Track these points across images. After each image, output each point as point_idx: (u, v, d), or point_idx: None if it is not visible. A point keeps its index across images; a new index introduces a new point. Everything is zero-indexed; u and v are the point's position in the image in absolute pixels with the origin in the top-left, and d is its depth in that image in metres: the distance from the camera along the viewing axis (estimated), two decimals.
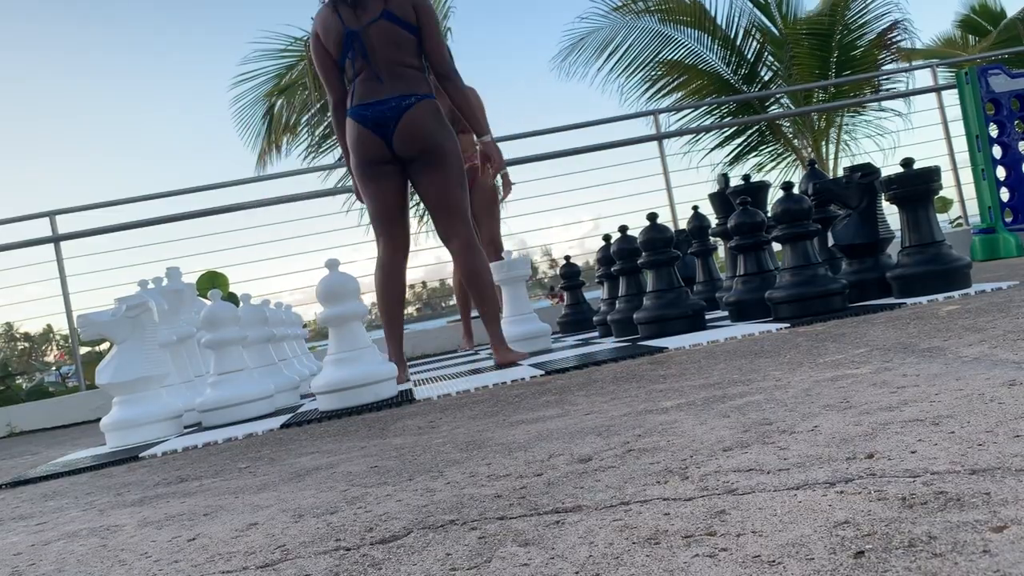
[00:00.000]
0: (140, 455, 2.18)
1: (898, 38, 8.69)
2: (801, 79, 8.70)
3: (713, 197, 3.58)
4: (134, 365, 2.55)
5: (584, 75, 9.00)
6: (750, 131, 8.99)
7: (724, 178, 3.65)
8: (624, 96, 9.09)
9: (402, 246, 2.98)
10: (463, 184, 2.92)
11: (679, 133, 7.56)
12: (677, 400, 1.47)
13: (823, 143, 8.86)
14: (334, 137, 8.74)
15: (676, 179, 6.03)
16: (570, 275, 4.57)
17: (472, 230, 2.93)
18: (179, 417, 2.67)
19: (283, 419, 2.44)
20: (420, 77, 2.87)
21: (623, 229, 3.42)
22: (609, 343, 3.13)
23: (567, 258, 4.63)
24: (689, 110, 8.98)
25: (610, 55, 8.91)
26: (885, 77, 8.62)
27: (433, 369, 3.56)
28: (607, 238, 3.67)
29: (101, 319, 2.57)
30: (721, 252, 3.86)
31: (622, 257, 3.39)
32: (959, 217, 6.73)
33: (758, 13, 9.10)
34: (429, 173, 2.86)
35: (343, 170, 8.27)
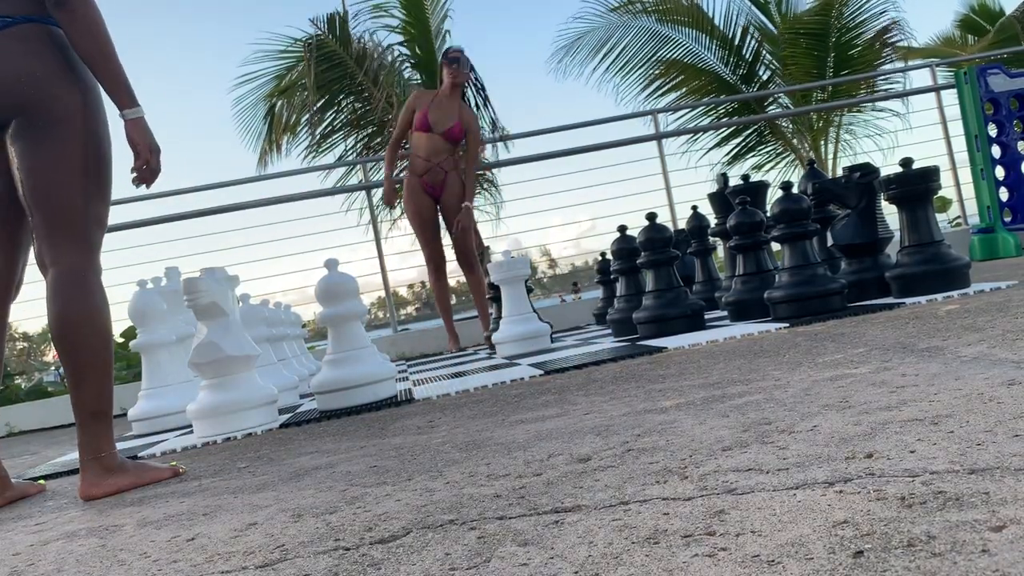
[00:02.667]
0: (139, 455, 2.18)
1: (895, 38, 8.70)
2: (798, 78, 8.70)
3: (712, 197, 3.58)
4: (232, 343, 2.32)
5: (580, 75, 9.00)
6: (749, 131, 8.99)
7: (723, 178, 3.65)
8: (621, 96, 9.08)
9: (12, 261, 1.89)
10: (84, 169, 1.73)
11: (678, 133, 7.56)
12: (676, 400, 1.47)
13: (822, 143, 8.87)
14: (333, 137, 8.76)
15: (675, 179, 6.04)
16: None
17: (89, 253, 1.75)
18: (275, 402, 2.42)
19: (282, 419, 2.44)
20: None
21: (622, 229, 3.42)
22: (609, 343, 3.13)
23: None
24: (687, 110, 8.99)
25: (606, 55, 8.91)
26: (883, 77, 8.62)
27: (432, 369, 3.56)
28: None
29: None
30: (720, 252, 3.87)
31: (621, 257, 3.39)
32: (958, 217, 6.74)
33: (756, 12, 9.10)
34: (21, 148, 1.71)
35: (342, 170, 8.28)
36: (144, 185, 1.86)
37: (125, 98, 1.78)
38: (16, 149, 1.71)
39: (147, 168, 1.82)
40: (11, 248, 1.84)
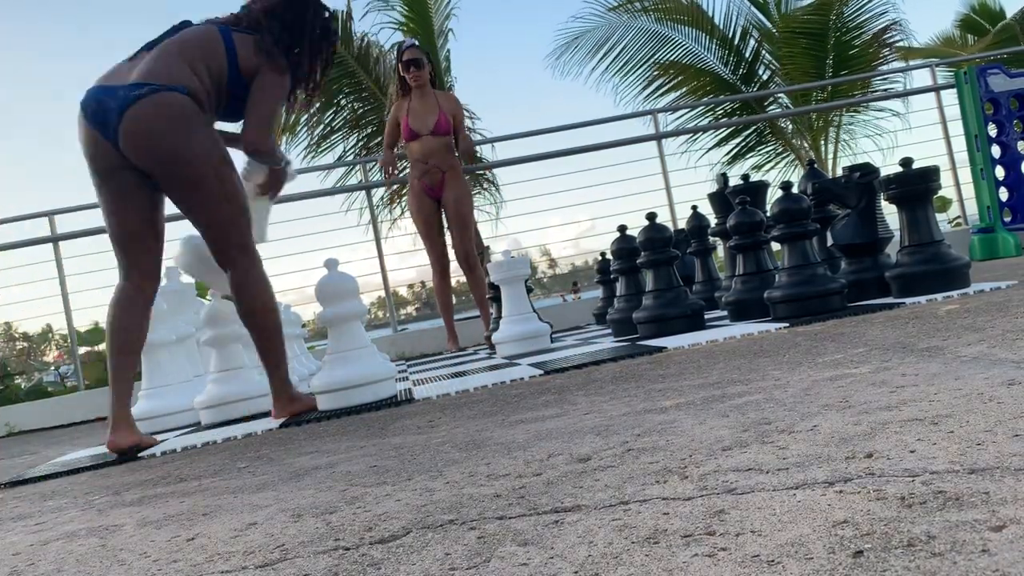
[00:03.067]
0: (139, 455, 2.18)
1: (894, 38, 8.70)
2: (796, 78, 8.70)
3: (712, 197, 3.58)
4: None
5: (579, 74, 9.00)
6: (749, 131, 9.00)
7: (723, 178, 3.65)
8: (620, 96, 9.09)
9: (149, 272, 2.33)
10: (227, 200, 2.27)
11: (678, 133, 7.56)
12: (676, 400, 1.47)
13: (822, 142, 8.87)
14: (333, 137, 8.76)
15: (675, 179, 6.04)
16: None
17: (252, 258, 2.34)
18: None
19: (282, 418, 2.44)
20: (180, 67, 2.20)
21: (622, 229, 3.42)
22: (609, 343, 3.13)
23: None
24: (687, 110, 8.99)
25: (605, 54, 8.91)
26: (883, 77, 8.62)
27: (432, 369, 3.56)
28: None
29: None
30: (720, 252, 3.87)
31: (621, 257, 3.39)
32: (958, 217, 6.74)
33: (756, 12, 9.11)
34: (175, 196, 2.28)
35: (342, 170, 8.28)
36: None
37: (252, 143, 2.40)
38: (169, 195, 2.31)
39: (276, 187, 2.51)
40: (157, 252, 2.36)
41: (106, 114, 2.13)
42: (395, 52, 4.63)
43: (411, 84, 4.26)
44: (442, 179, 4.26)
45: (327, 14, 2.51)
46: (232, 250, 2.31)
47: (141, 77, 2.16)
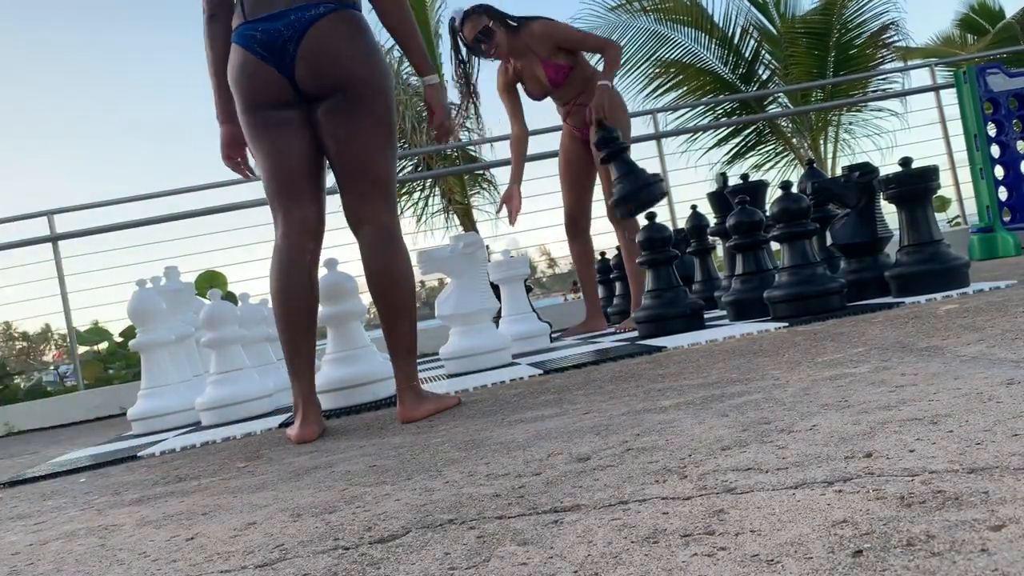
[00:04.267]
0: (138, 454, 2.18)
1: (893, 38, 8.71)
2: (798, 78, 8.70)
3: (711, 196, 3.58)
4: (473, 298, 2.79)
5: None
6: (748, 130, 9.00)
7: (722, 177, 3.65)
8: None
9: (311, 228, 2.03)
10: (391, 141, 2.02)
11: (677, 132, 7.56)
12: (676, 399, 1.47)
13: (821, 142, 8.87)
14: None
15: (674, 178, 6.04)
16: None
17: (396, 213, 2.05)
18: (507, 348, 2.87)
19: (282, 418, 2.44)
20: None
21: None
22: (608, 342, 3.13)
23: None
24: (687, 109, 8.99)
25: None
26: (882, 77, 8.63)
27: (431, 368, 3.56)
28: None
29: (441, 256, 2.76)
30: (720, 251, 3.86)
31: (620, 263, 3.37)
32: (957, 216, 6.74)
33: (756, 12, 9.11)
34: (340, 119, 1.95)
35: None
36: (442, 141, 2.26)
37: (426, 66, 2.10)
38: (332, 120, 1.95)
39: (443, 127, 2.17)
40: (320, 201, 2.08)
41: (283, 42, 1.90)
42: (449, 31, 3.62)
43: (493, 59, 3.60)
44: (587, 115, 3.42)
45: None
46: (381, 204, 2.00)
47: None
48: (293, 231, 1.98)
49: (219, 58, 2.04)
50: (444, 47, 8.64)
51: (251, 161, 2.15)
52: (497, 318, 3.84)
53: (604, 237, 7.11)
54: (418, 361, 2.26)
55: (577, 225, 3.82)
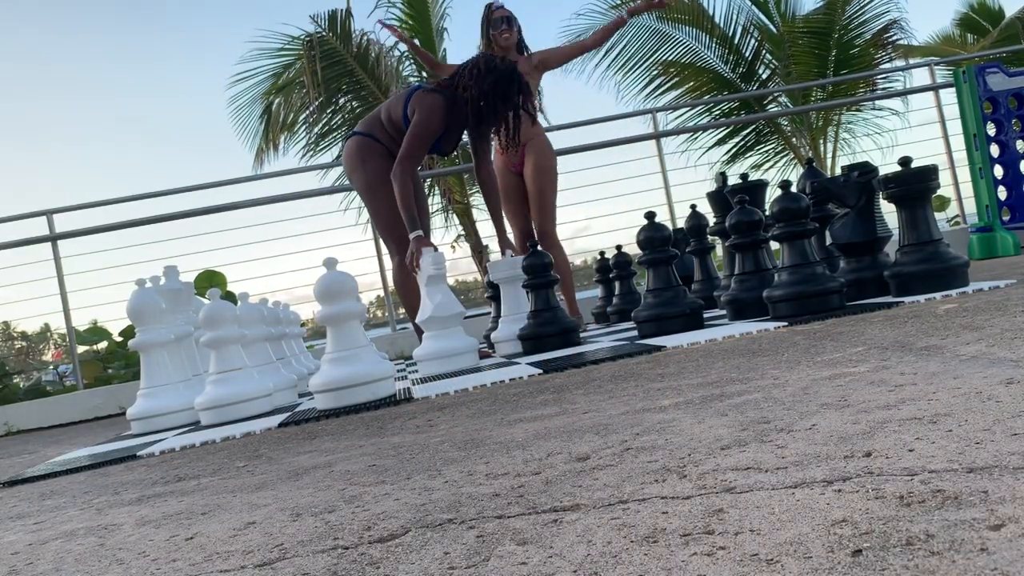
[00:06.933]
0: (138, 454, 2.18)
1: (895, 37, 8.70)
2: (799, 77, 8.71)
3: (711, 196, 3.58)
4: (444, 304, 3.13)
5: (581, 72, 9.02)
6: (748, 130, 9.00)
7: (722, 177, 3.65)
8: (621, 94, 9.10)
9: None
10: (386, 215, 3.42)
11: (677, 132, 7.56)
12: (675, 399, 1.47)
13: (821, 141, 8.87)
14: (332, 136, 8.75)
15: (674, 178, 6.04)
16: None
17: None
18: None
19: (281, 418, 2.44)
20: (375, 119, 3.48)
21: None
22: (608, 341, 3.13)
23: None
24: (687, 108, 8.99)
25: (607, 52, 8.92)
26: (883, 76, 8.62)
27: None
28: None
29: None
30: (719, 251, 3.86)
31: (620, 266, 3.37)
32: (957, 216, 6.74)
33: (756, 11, 9.11)
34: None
35: (340, 169, 8.26)
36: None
37: (504, 242, 3.69)
38: None
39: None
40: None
41: None
42: (483, 17, 4.12)
43: (501, 44, 3.97)
44: (522, 153, 3.97)
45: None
46: (392, 245, 3.53)
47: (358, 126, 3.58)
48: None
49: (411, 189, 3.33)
50: (448, 44, 8.68)
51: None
52: (496, 318, 3.83)
53: (604, 237, 7.10)
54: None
55: (543, 241, 4.02)
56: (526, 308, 3.53)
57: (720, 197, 3.49)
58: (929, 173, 2.62)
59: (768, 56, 9.25)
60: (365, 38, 8.31)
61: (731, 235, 2.98)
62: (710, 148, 8.81)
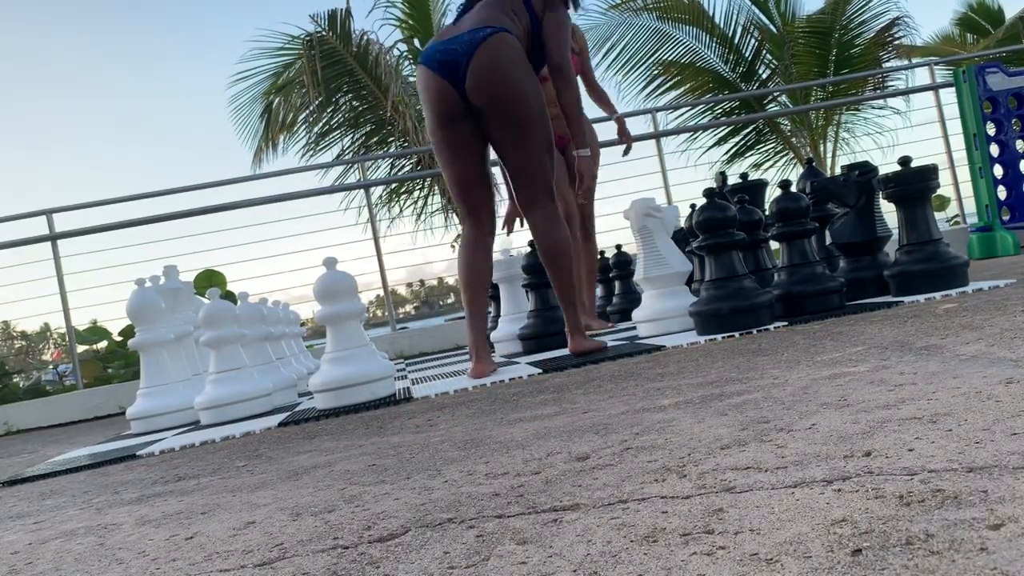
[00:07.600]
0: (137, 453, 2.18)
1: (898, 35, 8.70)
2: (799, 77, 8.71)
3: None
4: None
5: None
6: (748, 129, 9.00)
7: (722, 176, 3.65)
8: (621, 94, 9.11)
9: (485, 221, 2.60)
10: (548, 138, 2.52)
11: (677, 131, 7.56)
12: (675, 398, 1.47)
13: (821, 141, 8.88)
14: (331, 135, 8.75)
15: (673, 177, 6.04)
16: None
17: (555, 202, 2.60)
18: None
19: (281, 417, 2.44)
20: (503, 15, 2.49)
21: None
22: (607, 341, 3.13)
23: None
24: (687, 108, 9.00)
25: (607, 52, 8.92)
26: (882, 75, 8.62)
27: (431, 368, 3.56)
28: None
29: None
30: None
31: (619, 266, 3.38)
32: (956, 215, 6.74)
33: (756, 11, 9.11)
34: (502, 127, 2.46)
35: (340, 168, 8.26)
36: (584, 199, 3.12)
37: (580, 142, 2.60)
38: (493, 130, 2.50)
39: (588, 190, 2.77)
40: (490, 199, 2.65)
41: (455, 59, 2.40)
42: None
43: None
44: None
45: None
46: (542, 193, 2.55)
47: (476, 25, 2.45)
48: (473, 223, 2.59)
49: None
50: None
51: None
52: (496, 317, 3.83)
53: (604, 237, 7.10)
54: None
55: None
56: (526, 308, 3.53)
57: (720, 197, 3.48)
58: (929, 173, 2.62)
59: (768, 56, 9.25)
60: (365, 38, 8.32)
61: None
62: (710, 148, 8.83)
